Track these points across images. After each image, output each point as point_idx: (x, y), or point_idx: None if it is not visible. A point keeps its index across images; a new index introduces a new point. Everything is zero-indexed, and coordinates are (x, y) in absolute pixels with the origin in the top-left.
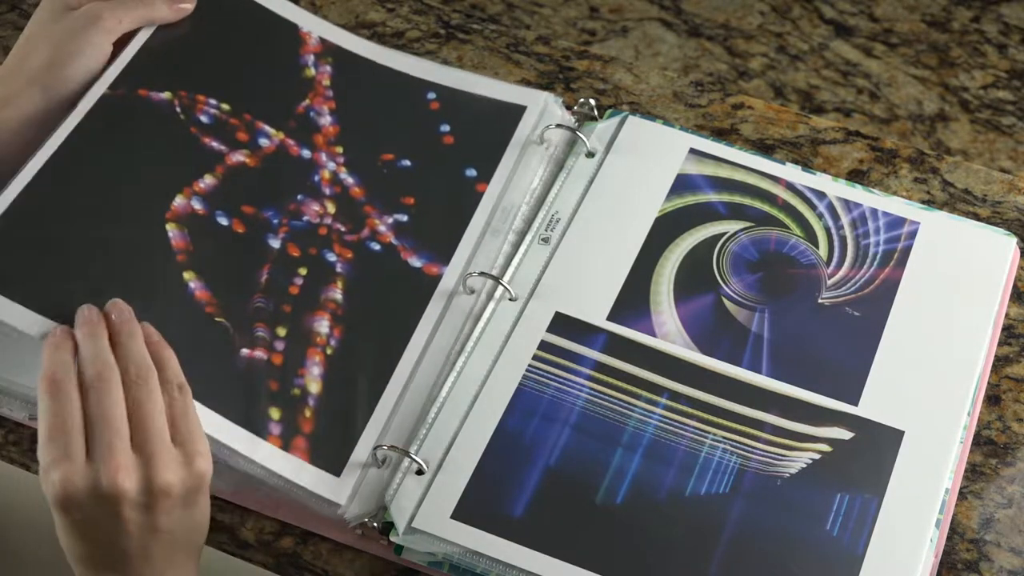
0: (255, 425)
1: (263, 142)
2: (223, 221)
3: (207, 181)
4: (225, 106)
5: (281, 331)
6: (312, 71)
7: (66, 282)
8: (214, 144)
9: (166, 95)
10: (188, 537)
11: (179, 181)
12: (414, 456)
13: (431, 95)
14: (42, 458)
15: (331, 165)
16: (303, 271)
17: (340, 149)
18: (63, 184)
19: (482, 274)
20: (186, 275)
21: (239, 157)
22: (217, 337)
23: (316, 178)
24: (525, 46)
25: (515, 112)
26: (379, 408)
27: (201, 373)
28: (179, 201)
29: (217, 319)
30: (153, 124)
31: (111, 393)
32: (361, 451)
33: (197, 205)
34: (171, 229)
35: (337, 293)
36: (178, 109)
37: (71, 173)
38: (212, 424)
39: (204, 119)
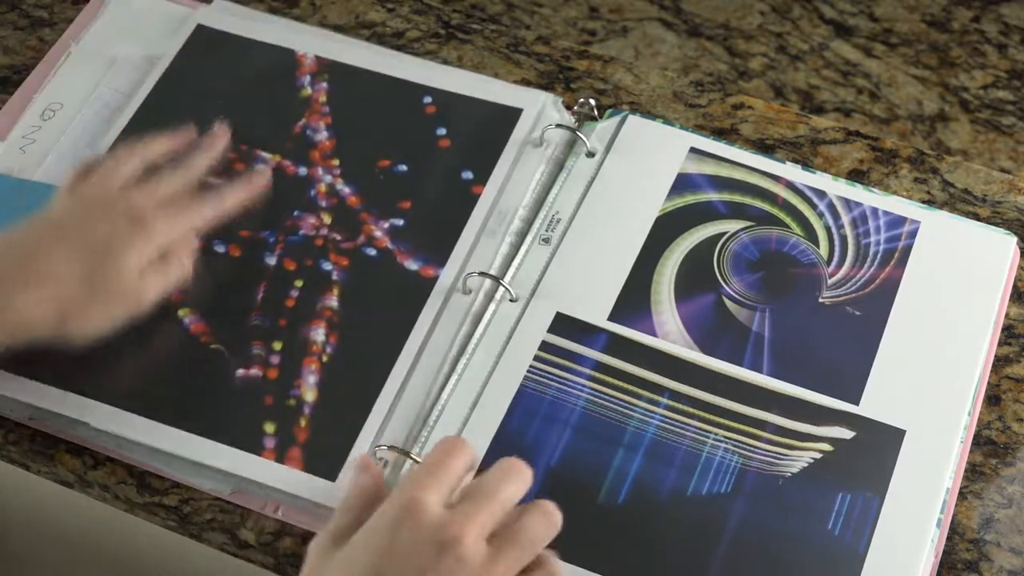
0: (249, 443)
1: (260, 168)
2: (220, 249)
3: None
4: None
5: (277, 345)
6: (308, 91)
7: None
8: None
9: None
10: None
11: None
12: (415, 457)
13: (427, 99)
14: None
15: (328, 178)
16: (299, 283)
17: (336, 162)
18: None
19: (483, 274)
20: (181, 312)
21: None
22: (212, 362)
23: (312, 192)
24: (525, 46)
25: (512, 114)
26: (375, 411)
27: (197, 399)
28: None
29: (212, 346)
30: None
31: (517, 487)
32: (357, 455)
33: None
34: None
35: (333, 301)
36: None
37: None
38: (205, 450)
39: None
